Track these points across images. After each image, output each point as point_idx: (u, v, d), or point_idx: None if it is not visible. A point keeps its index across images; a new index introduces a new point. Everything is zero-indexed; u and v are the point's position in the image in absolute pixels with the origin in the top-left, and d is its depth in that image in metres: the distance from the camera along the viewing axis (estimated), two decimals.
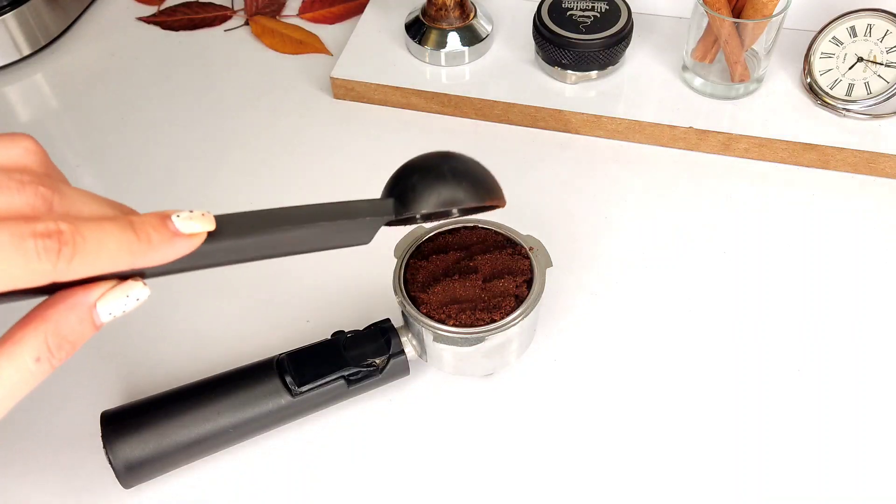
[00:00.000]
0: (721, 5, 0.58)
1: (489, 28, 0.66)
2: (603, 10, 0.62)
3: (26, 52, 0.70)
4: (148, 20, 0.74)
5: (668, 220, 0.56)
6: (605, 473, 0.44)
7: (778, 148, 0.59)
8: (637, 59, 0.65)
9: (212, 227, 0.30)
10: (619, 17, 0.61)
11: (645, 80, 0.64)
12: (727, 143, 0.60)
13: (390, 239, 0.46)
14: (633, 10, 0.63)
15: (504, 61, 0.66)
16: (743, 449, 0.45)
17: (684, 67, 0.64)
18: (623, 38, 0.61)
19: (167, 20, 0.73)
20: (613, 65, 0.63)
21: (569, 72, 0.63)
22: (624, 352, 0.49)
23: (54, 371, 0.29)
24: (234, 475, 0.45)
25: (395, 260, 0.45)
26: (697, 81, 0.63)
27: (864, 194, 0.57)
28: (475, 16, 0.66)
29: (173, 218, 0.29)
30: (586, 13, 0.62)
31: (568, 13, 0.62)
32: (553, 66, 0.63)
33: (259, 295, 0.53)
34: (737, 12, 0.59)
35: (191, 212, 0.30)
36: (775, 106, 0.62)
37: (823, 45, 0.60)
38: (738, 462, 0.45)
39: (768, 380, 0.48)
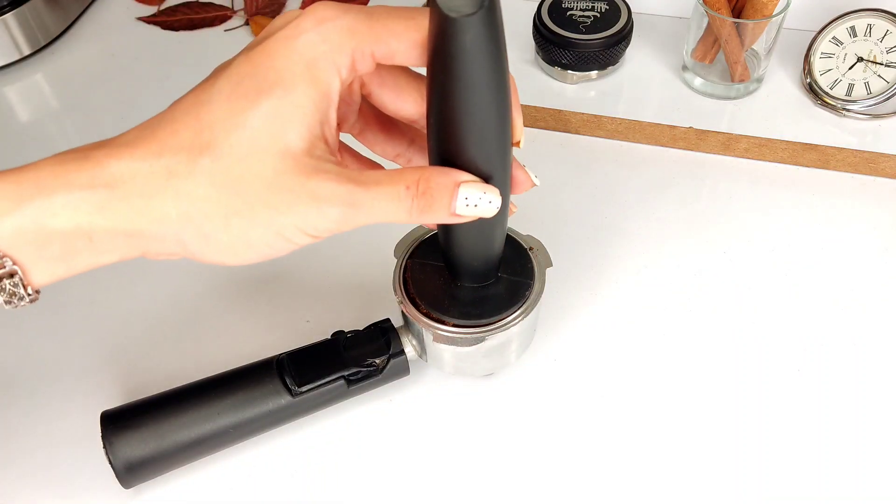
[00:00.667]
0: (721, 5, 0.58)
1: None
2: (603, 10, 0.62)
3: (26, 52, 0.70)
4: (148, 20, 0.74)
5: (667, 220, 0.56)
6: (605, 473, 0.44)
7: (778, 148, 0.59)
8: (637, 59, 0.65)
9: (490, 214, 0.33)
10: (619, 17, 0.61)
11: (645, 80, 0.64)
12: (727, 143, 0.60)
13: (390, 239, 0.46)
14: (633, 10, 0.63)
15: None
16: (743, 449, 0.45)
17: (684, 67, 0.64)
18: (623, 38, 0.61)
19: (167, 20, 0.73)
20: (613, 65, 0.63)
21: (569, 72, 0.63)
22: (624, 352, 0.49)
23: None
24: (234, 475, 0.45)
25: (395, 260, 0.45)
26: (697, 81, 0.63)
27: (864, 194, 0.57)
28: None
29: (459, 203, 0.33)
30: (586, 13, 0.62)
31: (568, 13, 0.62)
32: (553, 66, 0.63)
33: (259, 295, 0.53)
34: (737, 12, 0.59)
35: (475, 205, 0.33)
36: (775, 106, 0.62)
37: (823, 45, 0.60)
38: (738, 462, 0.45)
39: (768, 380, 0.48)
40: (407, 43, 0.30)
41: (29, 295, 0.30)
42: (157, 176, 0.29)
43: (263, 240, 0.31)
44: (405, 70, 0.34)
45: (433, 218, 0.32)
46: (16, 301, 0.30)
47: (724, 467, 0.44)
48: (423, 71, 0.31)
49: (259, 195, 0.30)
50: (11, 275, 0.29)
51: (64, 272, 0.30)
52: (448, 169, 0.32)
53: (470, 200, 0.32)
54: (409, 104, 0.34)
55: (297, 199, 0.30)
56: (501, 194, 0.33)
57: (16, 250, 0.29)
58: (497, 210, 0.33)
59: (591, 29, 0.61)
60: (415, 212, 0.32)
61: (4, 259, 0.29)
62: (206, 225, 0.30)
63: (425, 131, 0.34)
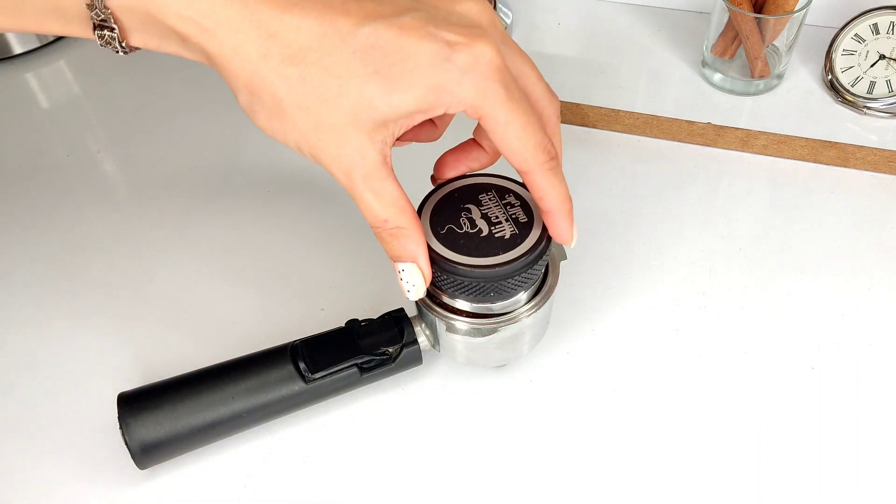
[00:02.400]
0: (742, 0, 0.57)
1: (508, 19, 0.66)
2: None
3: (49, 38, 0.71)
4: None
5: (684, 215, 0.56)
6: (616, 467, 0.44)
7: (797, 145, 0.59)
8: (656, 53, 0.65)
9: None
10: None
11: (663, 75, 0.64)
12: (746, 140, 0.59)
13: None
14: (653, 4, 0.62)
15: None
16: (754, 445, 0.45)
17: (704, 63, 0.63)
18: None
19: None
20: None
21: None
22: (636, 346, 0.49)
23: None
24: (247, 460, 0.45)
25: None
26: (717, 77, 0.62)
27: (883, 193, 0.57)
28: (494, 6, 0.66)
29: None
30: None
31: None
32: None
33: (275, 282, 0.53)
34: (758, 8, 0.58)
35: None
36: (795, 102, 0.61)
37: (845, 42, 0.60)
38: (749, 457, 0.44)
39: (781, 378, 0.48)
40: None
41: (123, 49, 0.34)
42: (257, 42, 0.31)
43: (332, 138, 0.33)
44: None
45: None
46: (110, 48, 0.34)
47: (736, 463, 0.44)
48: None
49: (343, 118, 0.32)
50: (111, 29, 0.33)
51: (155, 48, 0.34)
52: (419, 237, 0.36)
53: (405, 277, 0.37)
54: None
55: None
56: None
57: (122, 14, 0.33)
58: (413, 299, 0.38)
59: None
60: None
61: (108, 18, 0.32)
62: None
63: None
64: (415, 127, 0.39)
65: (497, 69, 0.32)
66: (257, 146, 0.62)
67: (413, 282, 0.37)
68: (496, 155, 0.40)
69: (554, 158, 0.35)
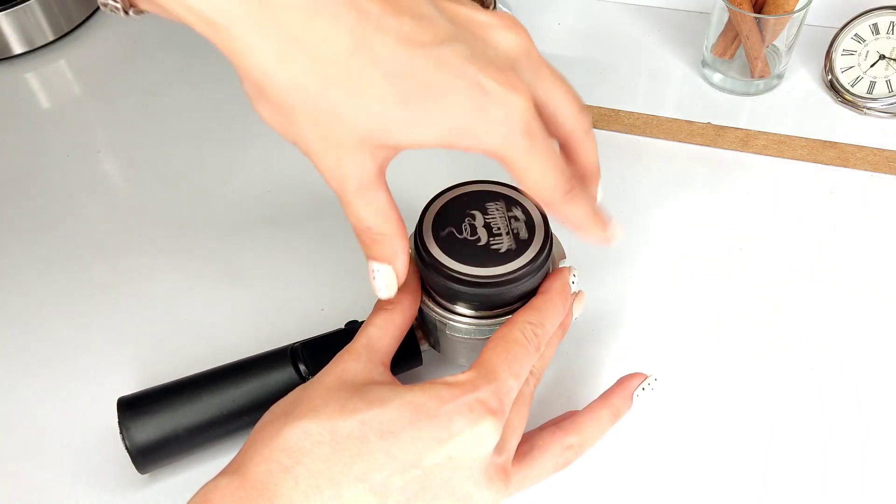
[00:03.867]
0: (742, 0, 0.57)
1: None
2: None
3: (50, 38, 0.70)
4: None
5: (683, 216, 0.56)
6: (616, 467, 0.44)
7: (797, 145, 0.59)
8: (656, 53, 0.65)
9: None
10: None
11: (663, 76, 0.64)
12: (745, 140, 0.59)
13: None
14: (653, 4, 0.62)
15: None
16: (755, 443, 0.45)
17: (703, 63, 0.63)
18: None
19: None
20: None
21: None
22: (636, 347, 0.49)
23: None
24: None
25: (411, 251, 0.45)
26: (717, 77, 0.62)
27: (883, 193, 0.57)
28: (494, 7, 0.66)
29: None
30: None
31: None
32: None
33: (274, 284, 0.53)
34: (758, 8, 0.58)
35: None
36: (795, 102, 0.61)
37: (845, 42, 0.60)
38: (750, 457, 0.44)
39: (782, 376, 0.48)
40: None
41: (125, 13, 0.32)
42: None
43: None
44: None
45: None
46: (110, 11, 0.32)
47: (735, 463, 0.44)
48: None
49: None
50: None
51: (160, 13, 0.31)
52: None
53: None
54: None
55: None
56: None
57: None
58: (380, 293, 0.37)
59: None
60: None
61: None
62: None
63: None
64: None
65: (525, 122, 0.31)
66: (258, 146, 0.62)
67: (385, 282, 0.36)
68: None
69: (570, 191, 0.35)
